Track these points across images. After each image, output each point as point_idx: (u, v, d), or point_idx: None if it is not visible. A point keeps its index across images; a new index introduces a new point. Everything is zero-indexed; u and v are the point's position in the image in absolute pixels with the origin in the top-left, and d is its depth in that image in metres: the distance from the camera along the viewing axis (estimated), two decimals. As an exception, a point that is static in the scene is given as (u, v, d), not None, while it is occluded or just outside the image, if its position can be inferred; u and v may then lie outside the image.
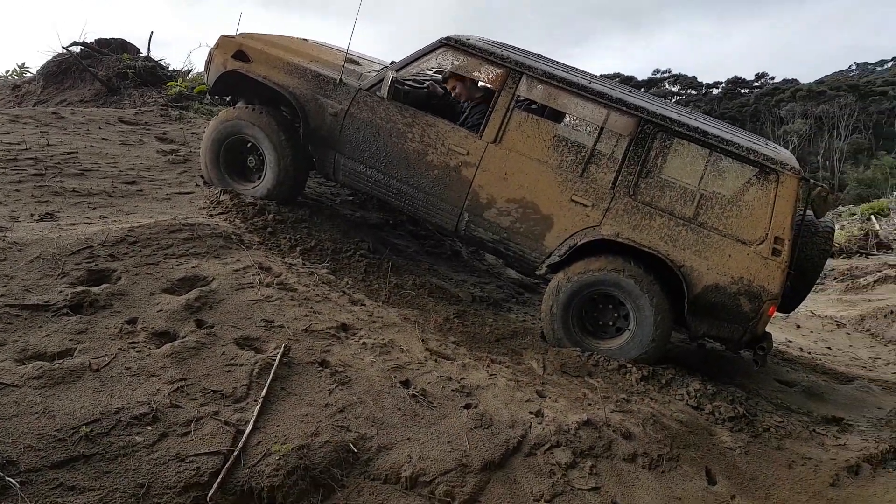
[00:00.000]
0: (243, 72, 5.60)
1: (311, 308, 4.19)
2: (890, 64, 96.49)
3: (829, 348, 7.21)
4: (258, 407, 3.19)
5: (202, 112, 8.83)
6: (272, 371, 3.43)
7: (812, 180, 4.85)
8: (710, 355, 5.85)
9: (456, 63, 5.20)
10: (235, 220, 5.19)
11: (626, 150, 4.85)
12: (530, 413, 3.79)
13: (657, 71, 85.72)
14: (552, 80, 4.97)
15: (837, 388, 5.68)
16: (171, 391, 3.17)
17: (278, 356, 3.54)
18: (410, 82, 5.60)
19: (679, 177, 4.84)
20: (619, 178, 4.85)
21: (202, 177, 5.99)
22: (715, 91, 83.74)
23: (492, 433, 3.50)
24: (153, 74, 9.75)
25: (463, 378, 3.96)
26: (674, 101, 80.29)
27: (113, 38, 10.63)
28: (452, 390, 3.77)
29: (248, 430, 3.04)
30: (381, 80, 5.20)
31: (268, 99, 5.78)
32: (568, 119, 5.48)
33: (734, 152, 4.70)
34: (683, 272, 4.74)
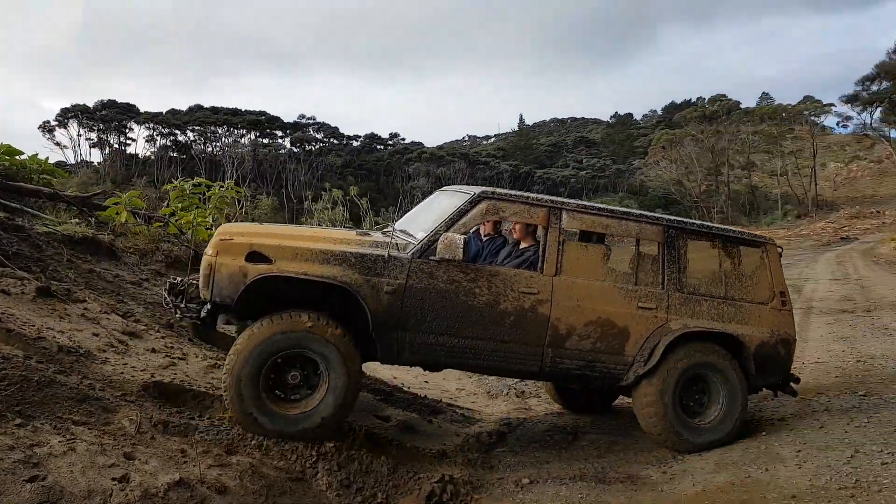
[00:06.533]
0: (276, 273, 4.68)
1: None
2: (492, 140, 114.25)
3: (426, 382, 7.87)
4: None
5: None
6: None
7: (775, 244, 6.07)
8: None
9: (500, 212, 5.31)
10: None
11: (663, 252, 5.51)
12: (113, 479, 3.47)
13: (302, 116, 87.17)
14: (586, 210, 5.44)
15: (430, 421, 6.26)
16: None
17: None
18: None
19: (705, 265, 5.75)
20: (666, 277, 5.45)
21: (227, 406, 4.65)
22: (355, 143, 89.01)
23: (59, 508, 3.12)
24: None
25: (32, 446, 3.48)
26: (317, 147, 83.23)
27: None
28: (14, 462, 3.28)
29: None
30: (434, 243, 4.92)
31: (294, 302, 4.82)
32: (609, 238, 5.98)
33: (735, 237, 5.86)
34: (741, 339, 5.47)
